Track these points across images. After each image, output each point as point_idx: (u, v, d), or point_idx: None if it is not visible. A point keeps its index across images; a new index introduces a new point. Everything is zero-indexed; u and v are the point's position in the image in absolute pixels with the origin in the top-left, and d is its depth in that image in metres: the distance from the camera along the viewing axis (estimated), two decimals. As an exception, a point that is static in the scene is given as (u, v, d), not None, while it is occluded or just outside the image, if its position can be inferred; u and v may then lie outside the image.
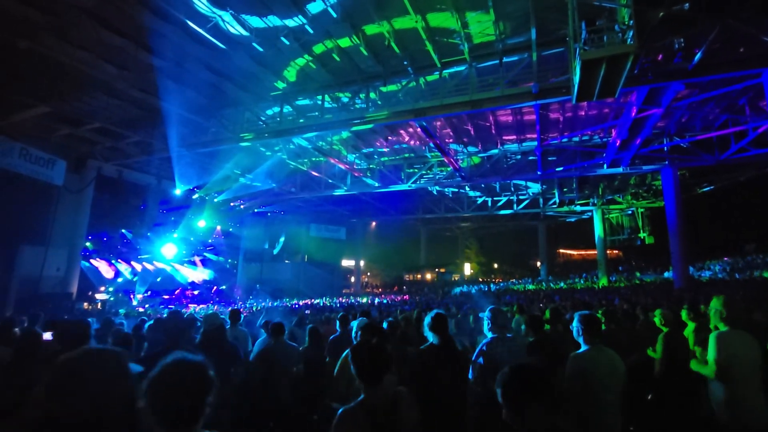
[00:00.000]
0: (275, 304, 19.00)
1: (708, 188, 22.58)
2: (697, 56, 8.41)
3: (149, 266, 20.46)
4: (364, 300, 21.21)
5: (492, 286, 29.38)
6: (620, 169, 15.88)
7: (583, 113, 13.84)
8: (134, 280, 20.05)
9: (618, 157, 15.10)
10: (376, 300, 20.60)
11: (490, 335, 3.31)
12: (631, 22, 6.60)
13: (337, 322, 4.87)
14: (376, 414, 1.87)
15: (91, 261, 18.64)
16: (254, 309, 16.05)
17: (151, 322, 6.13)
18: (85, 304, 16.08)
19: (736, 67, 8.64)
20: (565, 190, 23.41)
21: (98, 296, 17.64)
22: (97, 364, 1.15)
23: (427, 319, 3.23)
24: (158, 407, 1.23)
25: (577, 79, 7.52)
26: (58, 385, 1.10)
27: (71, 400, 1.07)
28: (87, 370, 1.12)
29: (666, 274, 24.21)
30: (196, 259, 23.63)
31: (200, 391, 1.29)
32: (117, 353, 1.20)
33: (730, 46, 8.67)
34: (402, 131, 15.85)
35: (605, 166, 15.72)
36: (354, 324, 3.60)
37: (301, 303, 18.78)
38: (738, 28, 7.64)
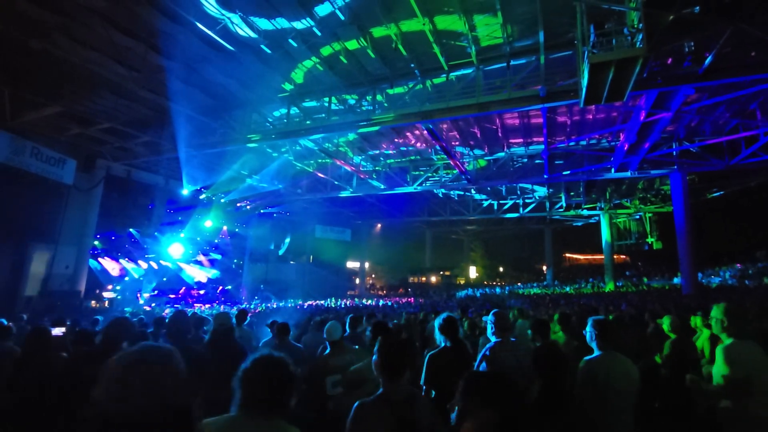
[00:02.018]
0: (280, 304, 19.06)
1: (718, 193, 22.32)
2: (708, 60, 8.34)
3: (154, 265, 20.63)
4: (369, 302, 21.18)
5: (497, 289, 29.20)
6: (628, 174, 15.75)
7: (591, 117, 13.75)
8: (141, 279, 20.22)
9: (626, 161, 14.99)
10: (380, 302, 20.56)
11: (493, 339, 3.29)
12: (641, 25, 6.56)
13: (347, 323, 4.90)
14: (398, 408, 1.84)
15: (99, 259, 18.84)
16: (259, 310, 16.11)
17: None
18: (93, 302, 16.25)
19: (747, 71, 8.55)
20: (572, 194, 23.27)
21: (105, 294, 17.81)
22: (152, 361, 1.13)
23: (438, 321, 3.21)
24: (254, 396, 1.48)
25: (585, 82, 7.48)
26: (116, 384, 1.06)
27: (131, 399, 1.04)
28: (143, 369, 1.10)
29: (674, 280, 23.92)
30: (203, 258, 23.79)
31: (286, 385, 1.54)
32: (171, 351, 1.19)
33: (741, 50, 8.57)
34: (408, 133, 15.86)
35: (613, 170, 15.61)
36: (325, 328, 3.57)
37: (305, 305, 18.81)
38: (750, 32, 7.55)
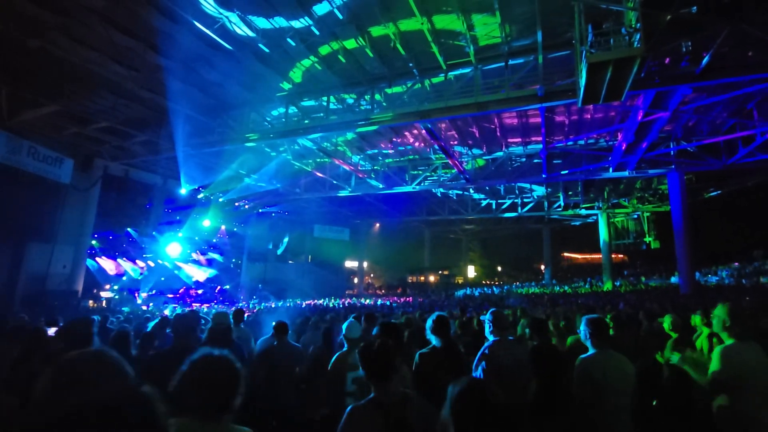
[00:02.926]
0: (278, 304, 19.04)
1: (715, 193, 22.39)
2: (705, 60, 8.36)
3: (151, 264, 20.60)
4: (367, 301, 21.19)
5: (495, 289, 29.26)
6: (626, 173, 15.80)
7: (589, 116, 13.78)
8: (139, 278, 20.18)
9: (624, 161, 15.03)
10: (379, 301, 20.58)
11: (491, 338, 3.29)
12: (639, 25, 6.58)
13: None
14: (389, 411, 1.85)
15: (97, 259, 18.79)
16: (257, 309, 16.09)
17: (156, 320, 6.14)
18: (91, 302, 16.20)
19: (744, 71, 8.57)
20: (570, 193, 23.31)
21: (103, 294, 17.76)
22: (96, 365, 1.14)
23: (429, 322, 3.21)
24: (191, 400, 1.39)
25: (583, 82, 7.50)
26: (58, 386, 1.09)
27: (72, 400, 1.04)
28: (86, 371, 1.12)
29: (672, 279, 24.01)
30: (201, 257, 23.75)
31: (230, 385, 1.44)
32: (113, 356, 1.20)
33: (738, 50, 8.60)
34: (407, 133, 15.86)
35: (611, 169, 15.64)
36: (344, 326, 3.61)
37: (304, 304, 18.80)
38: (748, 32, 7.58)
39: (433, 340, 3.19)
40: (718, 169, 14.88)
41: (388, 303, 19.29)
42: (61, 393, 1.08)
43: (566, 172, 16.62)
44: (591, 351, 2.84)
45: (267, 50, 10.06)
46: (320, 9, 8.80)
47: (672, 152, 14.95)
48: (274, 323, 4.47)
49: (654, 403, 3.90)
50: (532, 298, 20.16)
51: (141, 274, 20.36)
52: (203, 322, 5.24)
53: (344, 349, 3.43)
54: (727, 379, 2.65)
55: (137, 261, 20.36)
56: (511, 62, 10.23)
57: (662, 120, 11.44)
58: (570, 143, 15.53)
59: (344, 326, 3.58)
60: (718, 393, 2.69)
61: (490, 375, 2.98)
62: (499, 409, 1.32)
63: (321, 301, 20.28)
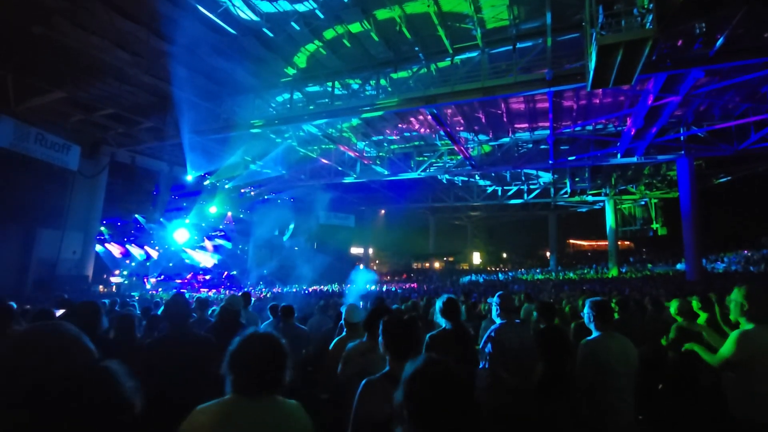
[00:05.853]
0: (285, 290, 19.26)
1: (725, 179, 22.05)
2: (719, 42, 8.15)
3: (153, 251, 20.86)
4: (372, 287, 21.33)
5: (500, 275, 29.32)
6: (634, 159, 15.59)
7: (598, 101, 13.55)
8: (147, 264, 20.48)
9: (632, 147, 14.81)
10: (384, 287, 20.72)
11: (498, 321, 3.31)
12: (651, 5, 6.42)
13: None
14: None
15: (106, 245, 19.06)
16: (263, 295, 16.30)
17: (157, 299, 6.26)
18: (101, 287, 16.51)
19: (759, 53, 8.35)
20: (576, 179, 23.08)
21: (112, 279, 18.07)
22: (54, 338, 1.10)
23: (439, 304, 3.24)
24: (243, 376, 1.48)
25: (592, 65, 7.36)
26: (11, 360, 1.04)
27: (28, 375, 1.00)
28: (43, 344, 1.07)
29: (679, 266, 23.89)
30: (207, 243, 24.00)
31: (276, 361, 1.54)
32: (73, 329, 1.14)
33: (753, 32, 8.38)
34: (412, 119, 15.72)
35: (619, 155, 15.43)
36: (342, 309, 3.59)
37: (309, 290, 19.00)
38: (763, 13, 7.37)
39: (443, 323, 3.21)
40: (728, 155, 14.64)
41: (393, 289, 19.42)
42: (16, 367, 1.01)
43: (573, 158, 16.42)
44: (594, 333, 2.86)
45: (271, 35, 9.95)
46: (325, -9, 8.67)
47: (682, 137, 14.71)
48: (280, 307, 4.54)
49: (660, 386, 3.94)
50: (537, 284, 20.19)
51: (147, 260, 20.64)
52: (208, 305, 5.35)
53: (343, 334, 3.36)
54: (738, 361, 2.65)
55: (145, 247, 20.63)
56: (519, 45, 10.03)
57: (673, 104, 11.22)
58: (578, 128, 15.31)
59: (343, 310, 3.50)
60: (725, 372, 2.70)
61: (496, 358, 3.01)
62: (462, 390, 1.20)
63: (326, 287, 20.47)
